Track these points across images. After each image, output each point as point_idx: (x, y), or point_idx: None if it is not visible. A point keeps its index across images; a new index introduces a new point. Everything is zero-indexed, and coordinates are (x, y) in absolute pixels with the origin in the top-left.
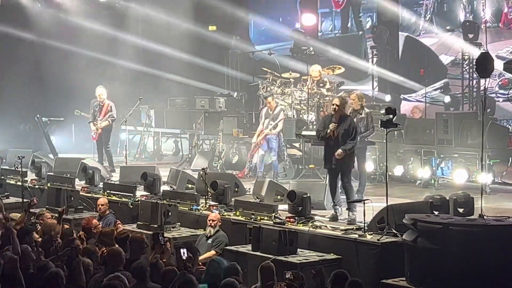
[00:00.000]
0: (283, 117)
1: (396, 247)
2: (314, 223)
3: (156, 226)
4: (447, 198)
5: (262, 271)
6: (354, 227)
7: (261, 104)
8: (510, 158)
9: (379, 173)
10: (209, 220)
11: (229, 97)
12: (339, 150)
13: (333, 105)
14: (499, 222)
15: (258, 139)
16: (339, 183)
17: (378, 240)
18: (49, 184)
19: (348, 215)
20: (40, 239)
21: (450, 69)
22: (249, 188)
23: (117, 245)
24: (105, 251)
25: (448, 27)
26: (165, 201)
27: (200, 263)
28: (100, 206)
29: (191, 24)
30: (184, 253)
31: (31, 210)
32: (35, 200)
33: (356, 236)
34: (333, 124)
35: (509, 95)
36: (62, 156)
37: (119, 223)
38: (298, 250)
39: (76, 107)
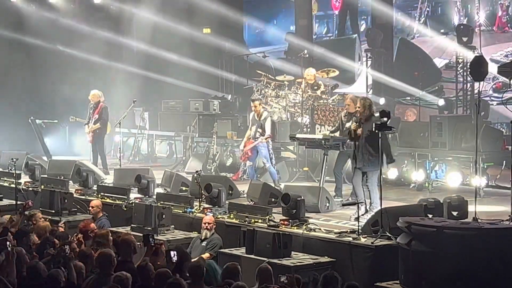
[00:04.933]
0: (269, 123)
1: (390, 250)
2: (308, 226)
3: (149, 228)
4: (441, 201)
5: (259, 273)
6: (348, 230)
7: None
8: (504, 161)
9: None
10: (205, 223)
11: (223, 99)
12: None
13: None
14: (493, 226)
15: (246, 148)
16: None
17: (372, 243)
18: (42, 187)
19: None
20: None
21: (444, 72)
22: (243, 191)
23: (114, 248)
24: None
25: (442, 30)
26: (159, 203)
27: None
28: (91, 208)
29: (185, 27)
30: (174, 255)
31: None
32: (30, 202)
33: (350, 239)
34: (354, 124)
35: (503, 99)
36: (56, 158)
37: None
38: (292, 253)
39: (70, 109)
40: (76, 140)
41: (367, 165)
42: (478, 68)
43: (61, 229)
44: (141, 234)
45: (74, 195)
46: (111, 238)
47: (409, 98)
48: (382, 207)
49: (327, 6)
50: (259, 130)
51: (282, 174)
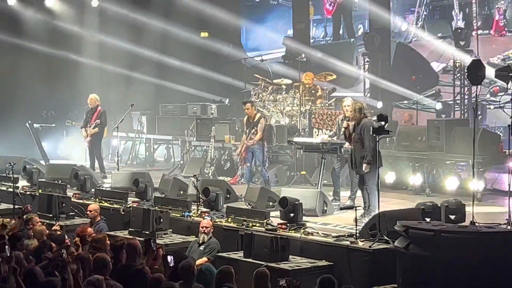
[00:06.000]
0: (263, 125)
1: (387, 254)
2: (306, 229)
3: (147, 232)
4: (439, 205)
5: (256, 277)
6: (346, 234)
7: None
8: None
9: None
10: (202, 227)
11: (221, 103)
12: (364, 165)
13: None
14: (490, 229)
15: (239, 150)
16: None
17: (369, 247)
18: (40, 191)
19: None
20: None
21: (442, 76)
22: (241, 195)
23: (111, 252)
24: None
25: (439, 34)
26: (156, 207)
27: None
28: (88, 212)
29: (183, 30)
30: (171, 260)
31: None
32: (29, 207)
33: (348, 243)
34: (345, 123)
35: (500, 102)
36: (53, 162)
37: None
38: (290, 256)
39: (68, 113)
40: (73, 144)
41: (361, 168)
42: (475, 72)
43: (58, 232)
44: (139, 238)
45: (72, 199)
46: (108, 242)
47: (406, 101)
48: (380, 210)
49: (323, 10)
50: (254, 131)
51: (279, 178)
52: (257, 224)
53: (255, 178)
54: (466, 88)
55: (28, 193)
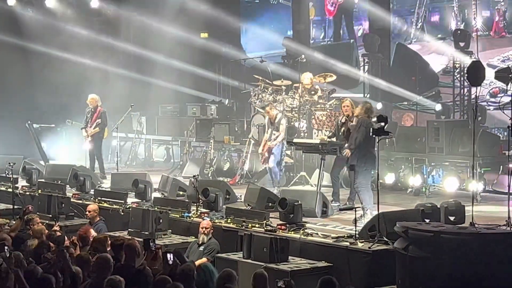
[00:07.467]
0: (284, 125)
1: (387, 255)
2: (305, 230)
3: (147, 233)
4: (438, 206)
5: (255, 279)
6: (345, 235)
7: (252, 111)
8: (501, 166)
9: (370, 181)
10: (202, 228)
11: (220, 104)
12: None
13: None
14: (490, 230)
15: (264, 150)
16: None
17: (369, 248)
18: (40, 191)
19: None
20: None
21: (442, 77)
22: (241, 195)
23: (112, 252)
24: None
25: (439, 35)
26: (156, 208)
27: None
28: (88, 212)
29: (182, 31)
30: (170, 258)
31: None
32: (30, 207)
33: (348, 244)
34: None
35: (500, 104)
36: (53, 162)
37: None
38: (289, 257)
39: (68, 113)
40: (73, 144)
41: (354, 163)
42: (475, 73)
43: (58, 233)
44: (139, 239)
45: (71, 200)
46: (109, 243)
47: (406, 103)
48: (379, 211)
49: (323, 11)
50: (275, 132)
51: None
52: (257, 225)
53: (254, 179)
54: (465, 89)
55: (27, 193)
